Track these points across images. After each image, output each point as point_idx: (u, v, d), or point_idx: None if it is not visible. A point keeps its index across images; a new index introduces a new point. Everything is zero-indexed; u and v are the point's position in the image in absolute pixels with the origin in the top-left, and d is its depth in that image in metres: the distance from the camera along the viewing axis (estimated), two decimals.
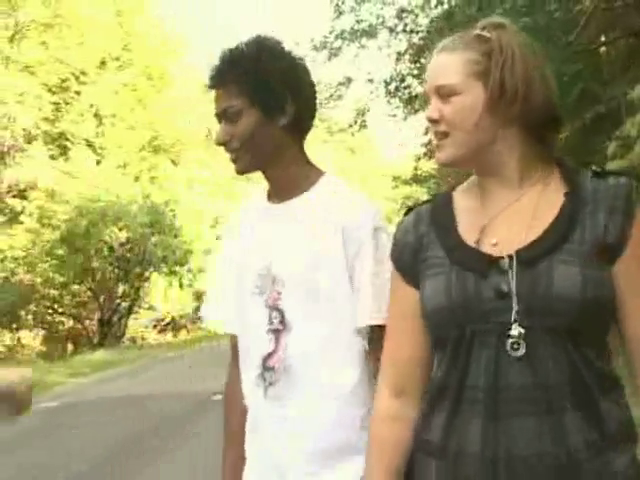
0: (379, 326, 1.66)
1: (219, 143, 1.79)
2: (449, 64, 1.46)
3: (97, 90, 22.50)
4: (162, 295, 24.66)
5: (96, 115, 22.91)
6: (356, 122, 15.25)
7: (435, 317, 1.45)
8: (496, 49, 1.44)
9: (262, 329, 1.78)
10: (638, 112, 5.91)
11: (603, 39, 12.90)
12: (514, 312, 1.37)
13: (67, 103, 22.36)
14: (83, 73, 22.66)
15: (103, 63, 23.68)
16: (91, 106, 22.63)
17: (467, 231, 1.47)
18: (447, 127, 1.45)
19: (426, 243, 1.51)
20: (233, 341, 1.94)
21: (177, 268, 22.70)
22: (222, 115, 1.78)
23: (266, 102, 1.76)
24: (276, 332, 1.76)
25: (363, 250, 1.73)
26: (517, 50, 1.44)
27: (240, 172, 1.82)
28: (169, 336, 25.54)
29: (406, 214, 1.60)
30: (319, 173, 1.85)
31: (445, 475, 1.41)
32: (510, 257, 1.39)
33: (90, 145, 22.64)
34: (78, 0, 22.38)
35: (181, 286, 23.71)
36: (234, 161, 1.79)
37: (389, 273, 1.62)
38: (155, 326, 25.25)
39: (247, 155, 1.78)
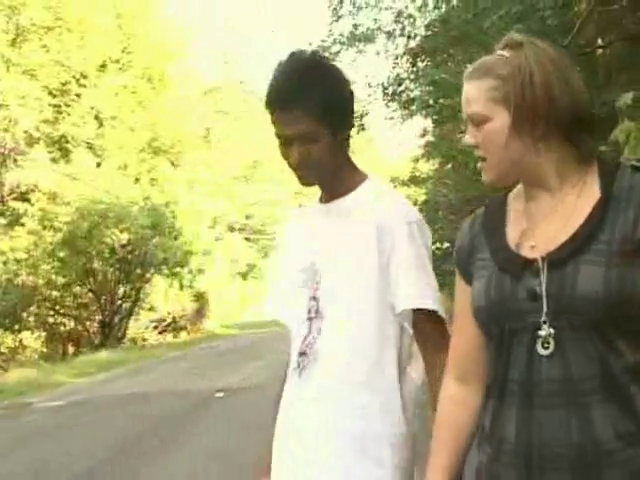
0: (420, 310, 1.81)
1: (297, 166, 1.86)
2: (474, 93, 1.51)
3: (97, 92, 22.55)
4: (162, 296, 24.74)
5: (96, 117, 22.96)
6: (354, 125, 15.34)
7: (479, 316, 1.53)
8: (513, 72, 1.47)
9: (303, 318, 1.92)
10: (626, 119, 6.07)
11: (600, 42, 13.01)
12: (544, 312, 1.42)
13: (68, 106, 22.41)
14: (84, 76, 22.72)
15: (103, 66, 23.71)
16: (92, 108, 22.68)
17: (512, 234, 1.54)
18: (483, 152, 1.53)
19: (477, 245, 1.59)
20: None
21: (177, 269, 22.80)
22: (294, 137, 1.84)
23: (334, 124, 1.85)
24: (311, 320, 1.90)
25: (398, 244, 1.85)
26: (535, 67, 1.47)
27: (306, 185, 1.93)
28: (169, 337, 25.59)
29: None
30: (364, 176, 1.96)
31: (492, 457, 1.49)
32: (543, 259, 1.45)
33: (90, 147, 22.72)
34: (78, 3, 22.44)
35: (181, 287, 23.79)
36: (302, 177, 1.90)
37: (427, 263, 1.83)
38: (155, 327, 25.26)
39: (317, 172, 1.89)
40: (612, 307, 1.38)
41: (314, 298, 1.91)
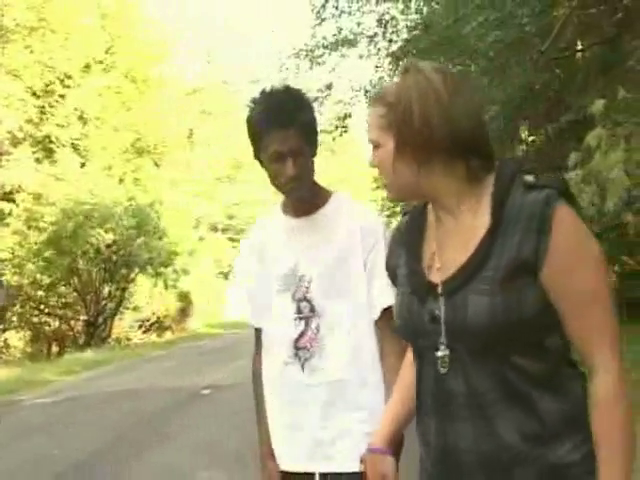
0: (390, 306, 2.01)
1: (294, 177, 2.15)
2: (370, 119, 1.62)
3: (81, 93, 22.52)
4: (147, 296, 24.81)
5: (80, 118, 22.92)
6: (337, 127, 15.58)
7: (397, 330, 1.68)
8: (396, 101, 1.53)
9: (290, 318, 2.20)
10: (599, 124, 6.34)
11: (579, 46, 13.22)
12: (442, 335, 1.52)
13: (52, 106, 22.37)
14: (68, 77, 22.69)
15: (87, 66, 23.65)
16: (75, 109, 22.64)
17: (426, 250, 1.63)
18: (380, 174, 1.63)
19: (399, 260, 1.71)
20: (259, 334, 2.36)
21: (162, 269, 22.88)
22: (290, 152, 2.15)
23: (313, 142, 2.22)
24: (306, 318, 2.18)
25: (377, 246, 2.16)
26: (415, 96, 1.51)
27: (298, 198, 2.23)
28: (154, 336, 25.62)
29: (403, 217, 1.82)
30: (329, 192, 2.30)
31: (425, 458, 1.64)
32: (443, 285, 1.54)
33: (75, 148, 22.69)
34: (62, 4, 22.40)
35: (166, 287, 23.86)
36: (293, 189, 2.20)
37: None
38: (140, 326, 25.32)
39: (307, 183, 2.21)
40: (500, 333, 1.45)
41: (305, 299, 2.18)
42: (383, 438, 1.80)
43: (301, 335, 2.19)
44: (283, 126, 2.11)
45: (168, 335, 26.32)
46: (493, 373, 1.49)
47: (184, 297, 27.86)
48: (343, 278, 2.16)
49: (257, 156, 2.25)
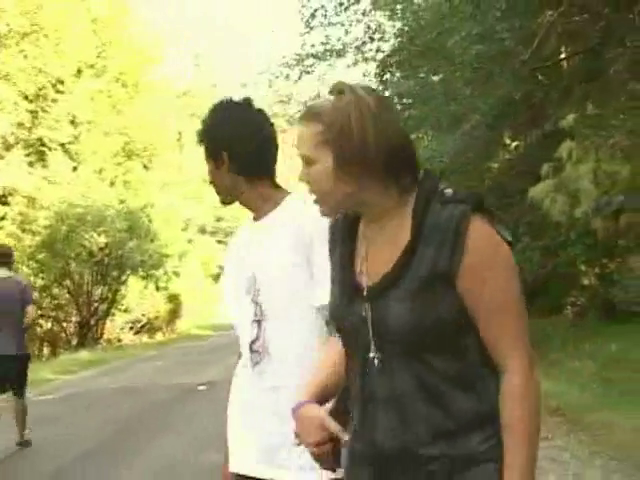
0: None
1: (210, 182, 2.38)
2: (304, 136, 1.64)
3: (73, 97, 22.69)
4: (137, 298, 25.16)
5: (72, 122, 23.14)
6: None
7: (332, 324, 1.79)
8: (334, 119, 1.58)
9: (248, 320, 2.22)
10: (569, 138, 6.83)
11: (562, 54, 13.60)
12: (371, 336, 1.61)
13: (44, 111, 22.58)
14: (60, 81, 22.88)
15: (79, 71, 23.84)
16: (68, 113, 22.85)
17: (358, 254, 1.71)
18: (314, 190, 1.67)
19: (335, 256, 1.78)
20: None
21: (153, 271, 23.22)
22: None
23: (214, 157, 2.29)
24: (258, 322, 2.20)
25: (315, 246, 2.13)
26: (353, 115, 1.57)
27: (223, 203, 2.40)
28: (145, 337, 25.97)
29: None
30: (284, 194, 2.30)
31: (353, 443, 1.72)
32: (368, 291, 1.63)
33: (66, 151, 22.92)
34: (55, 9, 22.59)
35: (157, 289, 24.20)
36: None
37: None
38: (131, 328, 25.68)
39: (218, 190, 2.35)
40: (417, 335, 1.55)
41: (256, 303, 2.20)
42: (309, 396, 1.81)
43: (255, 338, 2.20)
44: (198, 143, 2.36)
45: (159, 336, 26.70)
46: (413, 375, 1.58)
47: (174, 299, 28.20)
48: (290, 282, 2.17)
49: None
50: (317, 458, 1.75)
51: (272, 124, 2.35)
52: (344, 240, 1.75)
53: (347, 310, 1.66)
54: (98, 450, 7.22)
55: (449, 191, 1.61)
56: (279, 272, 2.18)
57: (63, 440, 7.70)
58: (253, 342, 2.20)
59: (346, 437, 1.69)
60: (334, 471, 1.77)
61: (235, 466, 2.27)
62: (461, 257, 1.53)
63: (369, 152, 1.56)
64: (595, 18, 11.82)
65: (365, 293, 1.63)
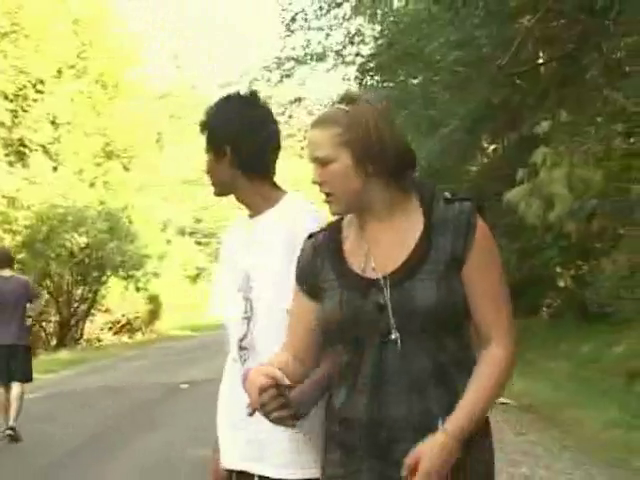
0: None
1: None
2: (321, 139, 1.79)
3: (53, 98, 22.69)
4: (117, 298, 25.18)
5: (52, 122, 23.11)
6: (305, 138, 16.14)
7: (330, 327, 1.84)
8: (353, 122, 1.77)
9: (239, 317, 2.22)
10: (543, 144, 7.06)
11: (540, 60, 13.80)
12: (391, 321, 1.74)
13: (25, 111, 22.54)
14: (40, 81, 22.85)
15: (59, 72, 23.79)
16: (48, 114, 22.80)
17: (352, 258, 1.85)
18: (328, 188, 1.82)
19: (321, 267, 1.88)
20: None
21: (133, 272, 23.29)
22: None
23: (215, 149, 2.26)
24: (248, 319, 2.21)
25: None
26: (369, 117, 1.76)
27: (218, 196, 2.36)
28: (124, 338, 26.02)
29: (306, 240, 1.97)
30: (282, 193, 2.30)
31: (341, 432, 1.83)
32: (385, 278, 1.77)
33: (47, 152, 22.89)
34: (35, 9, 22.54)
35: (138, 290, 24.22)
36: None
37: None
38: (110, 328, 25.70)
39: (214, 183, 2.32)
40: (442, 312, 1.73)
41: (247, 299, 2.20)
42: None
43: (244, 335, 2.21)
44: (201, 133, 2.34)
45: (139, 337, 26.72)
46: (429, 354, 1.75)
47: (154, 300, 28.23)
48: (281, 281, 2.14)
49: None
50: (264, 408, 1.74)
51: (276, 122, 2.35)
52: (331, 251, 1.88)
53: (361, 303, 1.77)
54: (85, 447, 7.38)
55: (447, 193, 1.84)
56: (271, 271, 2.18)
57: (51, 437, 7.85)
58: (242, 339, 2.21)
59: (287, 382, 1.74)
60: (292, 425, 1.78)
61: (225, 461, 2.28)
62: (471, 246, 1.76)
63: (385, 151, 1.75)
64: (572, 24, 12.04)
65: (382, 282, 1.76)
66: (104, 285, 23.39)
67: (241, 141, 2.25)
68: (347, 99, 1.81)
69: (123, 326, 26.29)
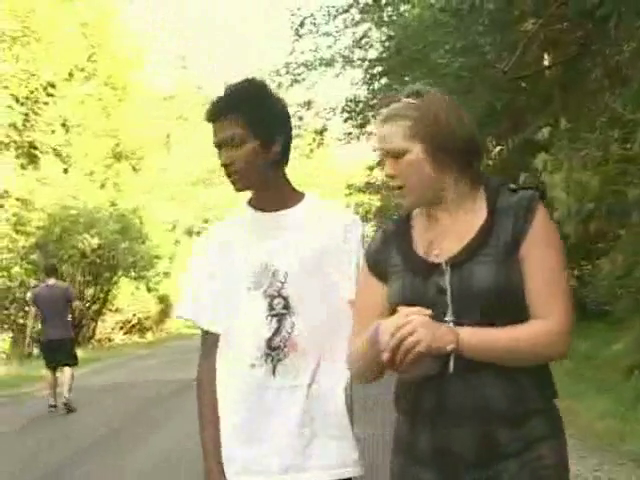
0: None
1: (226, 167, 2.09)
2: (393, 132, 1.83)
3: (64, 100, 22.81)
4: (128, 298, 25.50)
5: (63, 125, 23.43)
6: (314, 140, 16.48)
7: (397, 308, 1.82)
8: (423, 114, 1.80)
9: (260, 316, 2.06)
10: (549, 149, 7.34)
11: (545, 63, 14.02)
12: (449, 303, 1.76)
13: (36, 114, 22.82)
14: (51, 85, 23.15)
15: (70, 75, 24.06)
16: (60, 116, 23.10)
17: (418, 245, 1.88)
18: (401, 180, 1.84)
19: (391, 253, 1.92)
20: (212, 338, 2.16)
21: (145, 272, 23.58)
22: (223, 143, 2.08)
23: (260, 134, 2.07)
24: (279, 316, 2.06)
25: (357, 246, 2.12)
26: (438, 110, 1.81)
27: (240, 190, 2.13)
28: (135, 337, 26.36)
29: (377, 230, 2.02)
30: (301, 192, 2.21)
31: (413, 421, 1.85)
32: (446, 263, 1.80)
33: (58, 154, 23.22)
34: (46, 13, 22.72)
35: (149, 290, 24.53)
36: (231, 180, 2.11)
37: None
38: (121, 328, 26.05)
39: (241, 174, 2.09)
40: (500, 293, 1.74)
41: (277, 296, 2.06)
42: None
43: (275, 334, 2.06)
44: (217, 117, 2.09)
45: (149, 336, 27.08)
46: None
47: (164, 299, 28.55)
48: (322, 276, 2.09)
49: None
50: (412, 350, 1.68)
51: None
52: (401, 237, 1.92)
53: (424, 286, 1.81)
54: (102, 441, 7.74)
55: (512, 185, 1.88)
56: (311, 265, 2.09)
57: (71, 431, 8.19)
58: (271, 338, 2.06)
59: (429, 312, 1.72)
60: (436, 370, 1.75)
61: (250, 475, 2.07)
62: (529, 228, 1.78)
63: (455, 142, 1.80)
64: (575, 27, 12.22)
65: (444, 266, 1.80)
66: (115, 285, 23.71)
67: (290, 131, 2.17)
68: (414, 93, 1.84)
69: (134, 326, 26.59)
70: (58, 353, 9.87)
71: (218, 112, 2.08)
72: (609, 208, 7.10)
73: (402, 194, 1.86)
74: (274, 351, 2.05)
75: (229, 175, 2.10)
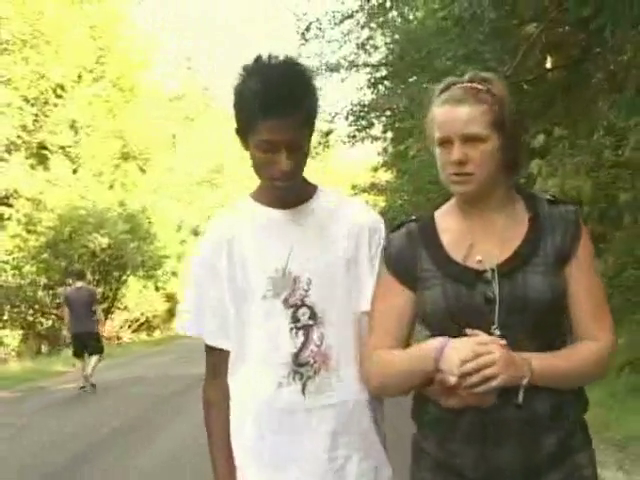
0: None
1: (287, 173, 1.79)
2: (471, 115, 1.68)
3: (73, 102, 23.09)
4: (136, 297, 25.82)
5: (72, 126, 23.62)
6: (320, 143, 16.84)
7: (435, 317, 1.75)
8: (497, 102, 1.70)
9: (284, 329, 1.82)
10: (545, 155, 7.70)
11: (548, 65, 14.25)
12: (496, 313, 1.67)
13: (46, 115, 23.12)
14: (61, 87, 23.47)
15: (79, 76, 24.35)
16: (68, 117, 23.41)
17: (453, 249, 1.76)
18: (473, 168, 1.70)
19: (419, 257, 1.79)
20: (222, 356, 1.90)
21: (153, 272, 23.95)
22: (286, 144, 1.78)
23: (312, 134, 1.89)
24: (305, 327, 1.83)
25: (379, 247, 1.90)
26: (506, 98, 1.73)
27: (290, 191, 1.87)
28: (143, 335, 26.74)
29: (394, 230, 1.87)
30: (314, 185, 1.96)
31: (450, 422, 1.75)
32: (492, 270, 1.70)
33: (67, 155, 23.55)
34: (55, 15, 22.84)
35: (157, 289, 24.89)
36: (282, 187, 1.83)
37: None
38: (130, 326, 26.44)
39: (297, 181, 1.85)
40: (553, 304, 1.69)
41: (305, 305, 1.83)
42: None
43: (302, 348, 1.82)
44: (282, 114, 1.74)
45: (157, 334, 27.45)
46: (534, 349, 1.68)
47: (171, 298, 28.92)
48: (348, 280, 1.87)
49: (242, 134, 1.85)
50: (473, 377, 1.61)
51: None
52: (430, 241, 1.80)
53: (469, 294, 1.70)
54: (117, 434, 7.99)
55: (547, 195, 1.84)
56: (339, 271, 1.88)
57: (92, 422, 8.55)
58: (298, 353, 1.83)
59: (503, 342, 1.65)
60: (492, 401, 1.67)
61: None
62: (578, 245, 1.75)
63: (520, 135, 1.77)
64: (577, 30, 12.46)
65: (490, 274, 1.70)
66: (124, 284, 24.07)
67: (315, 119, 1.90)
68: (479, 79, 1.74)
69: (142, 324, 26.96)
70: (86, 344, 11.26)
71: (282, 106, 1.75)
72: (602, 211, 7.46)
73: (467, 180, 1.72)
74: (302, 367, 1.83)
75: (281, 179, 1.83)
